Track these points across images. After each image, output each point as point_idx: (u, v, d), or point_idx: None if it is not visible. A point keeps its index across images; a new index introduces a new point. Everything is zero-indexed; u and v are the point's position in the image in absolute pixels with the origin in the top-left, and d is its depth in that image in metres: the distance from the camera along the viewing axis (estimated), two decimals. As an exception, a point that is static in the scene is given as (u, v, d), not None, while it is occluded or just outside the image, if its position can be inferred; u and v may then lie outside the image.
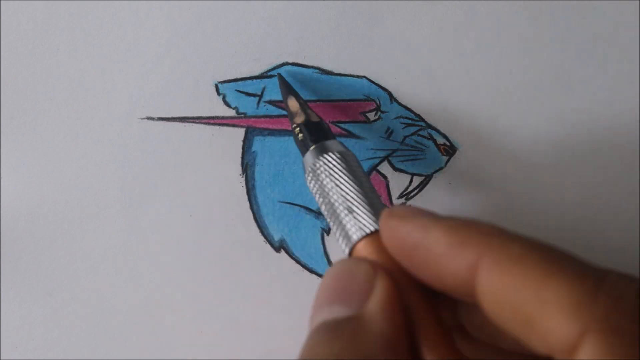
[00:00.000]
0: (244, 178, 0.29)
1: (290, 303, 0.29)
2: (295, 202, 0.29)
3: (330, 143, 0.24)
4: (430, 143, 0.29)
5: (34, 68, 0.29)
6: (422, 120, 0.29)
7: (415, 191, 0.29)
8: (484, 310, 0.18)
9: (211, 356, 0.29)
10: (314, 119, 0.26)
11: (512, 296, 0.17)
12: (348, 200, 0.22)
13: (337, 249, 0.29)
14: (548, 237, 0.29)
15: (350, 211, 0.22)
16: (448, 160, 0.29)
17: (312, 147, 0.24)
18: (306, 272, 0.29)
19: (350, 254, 0.22)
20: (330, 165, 0.23)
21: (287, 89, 0.27)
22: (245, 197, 0.29)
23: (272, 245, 0.29)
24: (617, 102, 0.28)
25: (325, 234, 0.29)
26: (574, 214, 0.28)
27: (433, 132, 0.29)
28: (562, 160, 0.28)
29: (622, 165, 0.28)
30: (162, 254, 0.29)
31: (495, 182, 0.29)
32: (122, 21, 0.29)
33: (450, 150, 0.29)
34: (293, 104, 0.27)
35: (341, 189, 0.22)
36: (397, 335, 0.19)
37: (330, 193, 0.23)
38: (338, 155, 0.23)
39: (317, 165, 0.23)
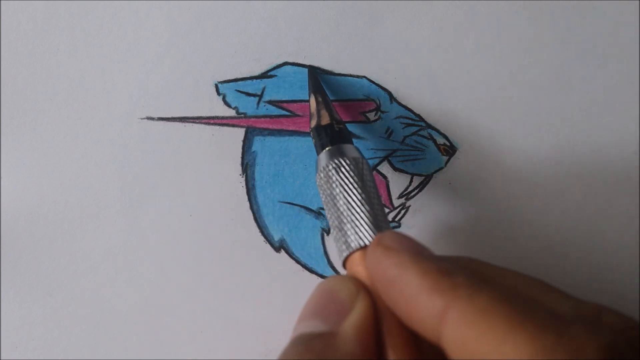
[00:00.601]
0: (244, 178, 0.29)
1: (290, 303, 0.29)
2: (295, 202, 0.29)
3: (345, 147, 0.24)
4: (430, 143, 0.29)
5: (34, 68, 0.29)
6: (422, 120, 0.29)
7: (415, 191, 0.29)
8: (449, 357, 0.18)
9: (211, 356, 0.29)
10: (325, 121, 0.25)
11: (476, 349, 0.17)
12: (352, 208, 0.22)
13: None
14: (548, 237, 0.29)
15: (352, 220, 0.22)
16: (448, 160, 0.29)
17: (327, 148, 0.24)
18: (306, 272, 0.29)
19: (345, 261, 0.22)
20: (342, 170, 0.23)
21: (313, 85, 0.27)
22: (245, 197, 0.29)
23: (272, 245, 0.29)
24: (617, 102, 0.28)
25: (325, 234, 0.29)
26: (574, 214, 0.28)
27: (433, 132, 0.29)
28: (562, 161, 0.28)
29: (622, 165, 0.28)
30: (162, 254, 0.29)
31: (495, 182, 0.29)
32: (122, 21, 0.29)
33: (450, 150, 0.29)
34: (312, 103, 0.26)
35: (348, 196, 0.22)
36: (365, 358, 0.19)
37: (337, 197, 0.22)
38: (351, 162, 0.23)
39: (329, 167, 0.23)
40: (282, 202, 0.29)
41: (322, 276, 0.29)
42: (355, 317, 0.20)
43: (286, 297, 0.29)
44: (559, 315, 0.18)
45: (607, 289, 0.29)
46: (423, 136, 0.29)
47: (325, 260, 0.29)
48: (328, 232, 0.29)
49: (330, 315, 0.20)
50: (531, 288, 0.21)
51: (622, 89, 0.28)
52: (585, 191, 0.28)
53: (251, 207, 0.29)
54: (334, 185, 0.23)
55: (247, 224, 0.29)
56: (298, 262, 0.29)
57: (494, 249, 0.29)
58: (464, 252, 0.29)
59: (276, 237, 0.29)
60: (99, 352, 0.29)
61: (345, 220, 0.22)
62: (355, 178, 0.23)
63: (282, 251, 0.29)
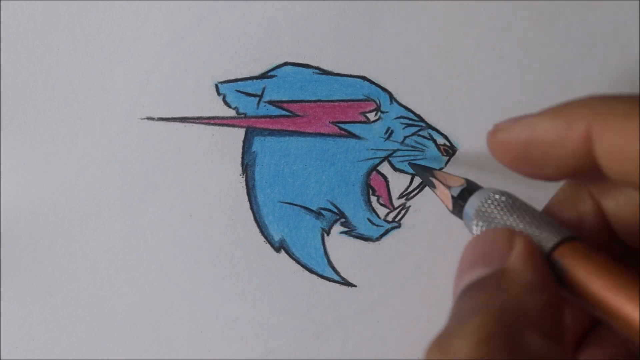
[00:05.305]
0: (244, 178, 0.29)
1: (290, 303, 0.29)
2: (295, 202, 0.29)
3: (481, 191, 0.24)
4: (430, 143, 0.29)
5: (34, 68, 0.29)
6: (422, 120, 0.29)
7: (416, 191, 0.29)
8: (607, 172, 0.19)
9: (211, 356, 0.29)
10: (455, 183, 0.25)
11: (628, 148, 0.18)
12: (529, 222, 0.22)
13: (337, 249, 0.29)
14: (548, 237, 0.28)
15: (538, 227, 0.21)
16: (448, 161, 0.29)
17: (469, 199, 0.24)
18: (306, 272, 0.29)
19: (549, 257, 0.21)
20: (498, 203, 0.23)
21: (424, 172, 0.28)
22: (245, 197, 0.29)
23: (272, 245, 0.29)
24: (617, 102, 0.28)
25: (325, 234, 0.29)
26: (574, 214, 0.28)
27: (433, 132, 0.29)
28: (562, 160, 0.28)
29: (622, 165, 0.28)
30: (162, 254, 0.29)
31: (495, 182, 0.29)
32: (122, 21, 0.29)
33: (450, 150, 0.29)
34: (436, 183, 0.26)
35: (517, 218, 0.22)
36: (543, 280, 0.19)
37: (508, 223, 0.22)
38: (501, 195, 0.23)
39: (485, 206, 0.23)
40: (282, 202, 0.29)
41: (322, 276, 0.29)
42: (519, 249, 0.20)
43: (286, 297, 0.29)
44: None
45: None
46: (423, 136, 0.29)
47: (325, 260, 0.29)
48: (328, 232, 0.29)
49: (491, 259, 0.20)
50: None
51: (622, 89, 0.28)
52: (585, 191, 0.28)
53: (251, 207, 0.29)
54: (499, 215, 0.23)
55: (247, 224, 0.29)
56: (298, 262, 0.29)
57: (494, 249, 0.29)
58: (464, 252, 0.29)
59: (276, 237, 0.29)
60: (99, 352, 0.29)
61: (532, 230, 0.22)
62: (514, 206, 0.23)
63: (282, 251, 0.29)
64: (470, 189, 0.25)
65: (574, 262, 0.20)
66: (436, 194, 0.27)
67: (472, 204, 0.24)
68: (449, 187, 0.25)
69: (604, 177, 0.20)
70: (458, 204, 0.25)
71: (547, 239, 0.21)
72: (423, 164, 0.29)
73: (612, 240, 0.22)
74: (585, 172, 0.20)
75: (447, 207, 0.25)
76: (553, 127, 0.20)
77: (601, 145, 0.19)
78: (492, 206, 0.23)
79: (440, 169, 0.29)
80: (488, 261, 0.20)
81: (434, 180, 0.26)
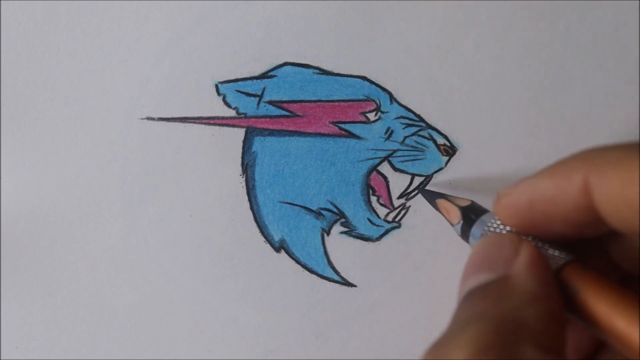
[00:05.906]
0: (244, 178, 0.29)
1: (290, 303, 0.29)
2: (295, 202, 0.29)
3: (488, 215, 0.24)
4: (430, 143, 0.29)
5: (34, 68, 0.29)
6: (422, 120, 0.29)
7: (416, 191, 0.29)
8: (608, 220, 0.19)
9: (211, 356, 0.29)
10: (463, 203, 0.25)
11: (625, 194, 0.18)
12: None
13: (337, 249, 0.29)
14: (548, 237, 0.28)
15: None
16: (448, 161, 0.29)
17: (476, 221, 0.24)
18: (306, 272, 0.29)
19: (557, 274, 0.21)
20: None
21: (432, 195, 0.27)
22: (245, 197, 0.29)
23: (272, 245, 0.29)
24: (617, 102, 0.28)
25: (325, 234, 0.29)
26: (574, 214, 0.28)
27: (433, 132, 0.29)
28: (562, 160, 0.28)
29: (622, 165, 0.28)
30: (162, 254, 0.29)
31: (495, 182, 0.29)
32: (122, 21, 0.29)
33: (450, 150, 0.29)
34: (442, 205, 0.26)
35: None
36: (546, 291, 0.19)
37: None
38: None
39: (492, 228, 0.23)
40: (282, 202, 0.29)
41: (322, 276, 0.29)
42: (524, 257, 0.20)
43: (286, 297, 0.29)
44: None
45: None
46: (423, 136, 0.29)
47: (325, 260, 0.29)
48: (328, 232, 0.29)
49: (496, 265, 0.20)
50: None
51: (622, 89, 0.28)
52: (585, 191, 0.28)
53: (251, 207, 0.29)
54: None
55: (247, 224, 0.29)
56: (298, 262, 0.29)
57: (494, 249, 0.29)
58: (465, 253, 0.29)
59: (276, 237, 0.29)
60: (99, 352, 0.29)
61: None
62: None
63: (282, 251, 0.29)
64: (475, 210, 0.25)
65: (583, 283, 0.20)
66: (445, 217, 0.26)
67: (479, 226, 0.24)
68: (458, 207, 0.25)
69: (608, 229, 0.20)
70: (465, 227, 0.25)
71: (556, 257, 0.21)
72: (423, 164, 0.29)
73: (609, 264, 0.22)
74: (590, 225, 0.20)
75: (454, 227, 0.26)
76: (552, 184, 0.20)
77: (599, 194, 0.19)
78: (499, 228, 0.23)
79: (440, 169, 0.29)
80: (492, 266, 0.20)
81: (440, 201, 0.27)
